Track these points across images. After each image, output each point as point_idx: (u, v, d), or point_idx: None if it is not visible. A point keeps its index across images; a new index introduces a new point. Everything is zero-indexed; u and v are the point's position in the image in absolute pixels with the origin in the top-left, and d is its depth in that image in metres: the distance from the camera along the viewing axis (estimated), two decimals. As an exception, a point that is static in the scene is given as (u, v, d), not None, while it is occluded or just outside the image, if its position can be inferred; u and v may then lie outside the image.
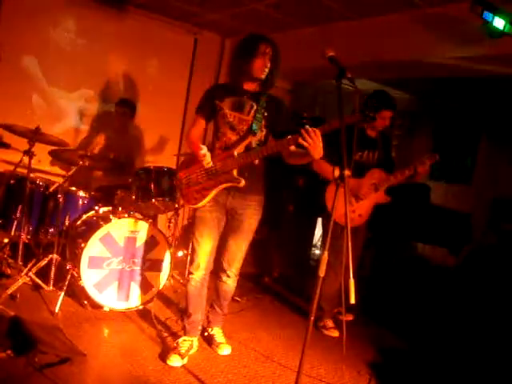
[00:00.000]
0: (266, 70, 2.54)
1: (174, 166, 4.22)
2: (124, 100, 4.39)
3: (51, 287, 3.29)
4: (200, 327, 2.86)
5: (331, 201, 3.29)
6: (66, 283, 3.15)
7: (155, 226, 3.39)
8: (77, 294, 3.26)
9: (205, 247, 2.67)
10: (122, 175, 3.94)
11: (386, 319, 3.95)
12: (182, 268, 4.01)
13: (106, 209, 3.50)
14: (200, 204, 2.63)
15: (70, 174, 3.51)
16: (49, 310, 3.05)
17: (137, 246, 3.28)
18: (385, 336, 3.65)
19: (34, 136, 3.24)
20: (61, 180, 3.50)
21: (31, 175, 3.40)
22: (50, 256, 3.31)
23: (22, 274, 3.19)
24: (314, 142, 2.21)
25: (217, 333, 2.97)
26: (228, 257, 2.77)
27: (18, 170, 3.43)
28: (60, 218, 3.44)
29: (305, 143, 2.22)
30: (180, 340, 2.76)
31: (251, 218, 2.70)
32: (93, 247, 3.11)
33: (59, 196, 3.39)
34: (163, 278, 3.37)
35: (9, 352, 2.28)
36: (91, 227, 3.25)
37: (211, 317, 2.98)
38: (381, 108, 3.33)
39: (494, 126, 5.63)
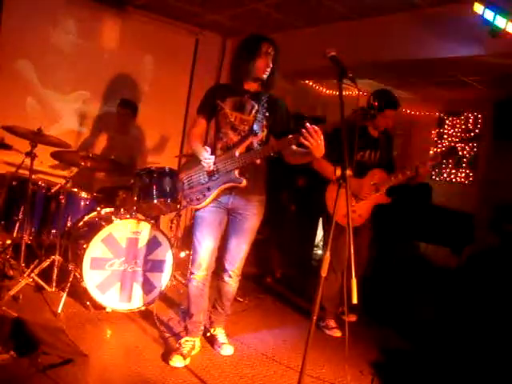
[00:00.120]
0: (268, 70, 2.54)
1: (175, 167, 4.23)
2: (126, 101, 4.39)
3: (54, 288, 3.29)
4: (202, 327, 2.86)
5: (331, 200, 3.29)
6: (69, 284, 3.16)
7: (157, 227, 3.39)
8: (79, 295, 3.26)
9: (206, 247, 2.67)
10: (124, 176, 3.94)
11: (388, 319, 3.94)
12: (184, 269, 4.01)
13: (107, 210, 3.51)
14: (202, 204, 2.64)
15: (71, 175, 3.52)
16: (51, 311, 3.05)
17: (139, 246, 3.28)
18: (387, 336, 3.64)
19: (36, 137, 3.25)
20: (63, 181, 3.50)
21: (33, 176, 3.41)
22: (53, 257, 3.32)
23: (25, 275, 3.20)
24: (315, 141, 2.21)
25: (219, 333, 2.97)
26: (230, 257, 2.76)
27: (20, 171, 3.44)
28: (62, 220, 3.44)
29: (306, 142, 2.22)
30: (182, 340, 2.77)
31: (253, 218, 2.70)
32: (95, 248, 3.11)
33: (61, 197, 3.40)
34: (165, 278, 3.37)
35: (12, 353, 2.28)
36: (93, 228, 3.25)
37: (213, 317, 2.98)
38: (384, 107, 3.33)
39: (498, 125, 5.61)
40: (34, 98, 4.55)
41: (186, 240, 4.39)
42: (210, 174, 2.59)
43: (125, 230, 3.23)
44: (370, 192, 3.37)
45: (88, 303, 3.19)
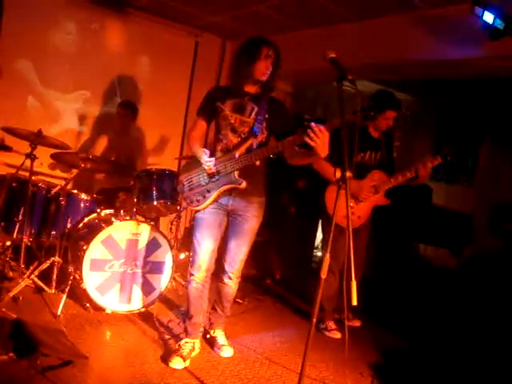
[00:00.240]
0: (268, 72, 2.55)
1: (175, 169, 4.24)
2: (126, 102, 4.40)
3: (53, 290, 3.29)
4: (202, 329, 2.86)
5: (331, 201, 3.29)
6: (68, 286, 3.16)
7: (157, 229, 3.39)
8: (79, 296, 3.26)
9: (206, 249, 2.67)
10: (124, 177, 3.94)
11: (387, 320, 3.94)
12: (184, 270, 4.00)
13: (107, 211, 3.51)
14: (202, 206, 2.64)
15: (71, 176, 3.53)
16: (51, 312, 3.05)
17: (139, 248, 3.28)
18: (387, 337, 3.65)
19: (36, 139, 3.26)
20: (63, 183, 3.51)
21: (33, 178, 3.41)
22: (52, 259, 3.32)
23: (25, 276, 3.20)
24: (320, 140, 2.19)
25: (219, 335, 2.97)
26: (230, 259, 2.77)
27: (20, 172, 3.44)
28: (62, 221, 3.44)
29: (311, 142, 2.20)
30: (182, 342, 2.77)
31: (253, 220, 2.70)
32: (95, 250, 3.11)
33: (61, 199, 3.40)
34: (165, 280, 3.37)
35: (11, 354, 2.28)
36: (93, 230, 3.25)
37: (213, 319, 2.98)
38: (385, 108, 3.33)
39: (497, 127, 5.63)
40: (34, 98, 4.55)
41: (186, 241, 4.39)
42: (210, 175, 2.59)
43: (125, 232, 3.23)
44: (370, 193, 3.37)
45: (88, 305, 3.19)
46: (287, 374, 2.77)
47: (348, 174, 1.92)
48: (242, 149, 2.55)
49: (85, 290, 3.10)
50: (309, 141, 2.21)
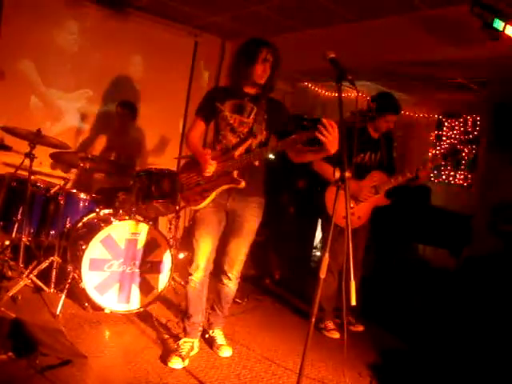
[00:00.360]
0: (266, 75, 2.55)
1: (174, 168, 4.23)
2: (125, 101, 4.39)
3: (52, 289, 3.29)
4: (201, 328, 2.86)
5: (331, 202, 3.30)
6: (67, 285, 3.16)
7: (156, 228, 3.39)
8: (78, 296, 3.26)
9: (204, 248, 2.68)
10: (123, 177, 3.94)
11: (386, 321, 3.94)
12: (183, 270, 4.00)
13: (106, 211, 3.51)
14: (201, 206, 2.64)
15: (70, 176, 3.52)
16: (50, 312, 3.05)
17: (138, 248, 3.28)
18: (385, 338, 3.65)
19: (35, 138, 3.25)
20: (62, 182, 3.50)
21: (32, 177, 3.40)
22: (51, 258, 3.32)
23: (24, 276, 3.19)
24: (331, 135, 2.18)
25: (218, 335, 2.97)
26: (229, 259, 2.77)
27: (19, 172, 3.43)
28: (61, 220, 3.44)
29: (322, 137, 2.20)
30: (181, 342, 2.77)
31: (252, 220, 2.70)
32: (94, 249, 3.11)
33: (60, 198, 3.40)
34: (164, 280, 3.37)
35: (10, 354, 2.28)
36: (92, 229, 3.25)
37: (212, 319, 2.98)
38: (385, 112, 3.33)
39: (496, 127, 5.63)
40: (37, 97, 4.55)
41: (185, 241, 4.39)
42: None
43: (124, 231, 3.22)
44: (370, 194, 3.37)
45: (87, 304, 3.19)
46: (286, 374, 2.77)
47: (347, 173, 1.93)
48: (241, 149, 2.56)
49: (84, 290, 3.10)
50: (320, 136, 2.20)
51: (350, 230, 1.85)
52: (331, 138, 2.19)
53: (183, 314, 2.91)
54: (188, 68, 5.30)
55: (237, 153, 2.54)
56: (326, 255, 1.97)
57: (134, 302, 3.26)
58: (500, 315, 3.95)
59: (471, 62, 3.63)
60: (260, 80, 2.55)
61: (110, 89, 4.88)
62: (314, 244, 5.91)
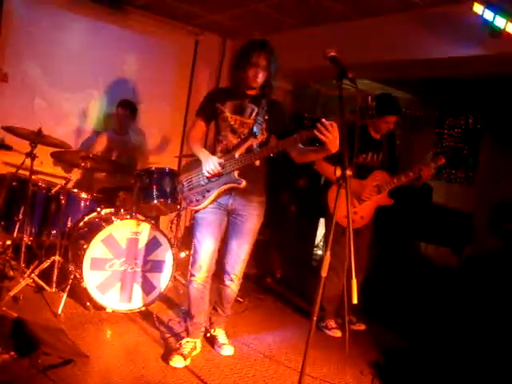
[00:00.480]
0: (258, 79, 2.55)
1: (175, 167, 4.23)
2: (125, 101, 4.39)
3: (54, 289, 3.30)
4: (203, 328, 2.86)
5: (333, 201, 3.28)
6: (69, 285, 3.16)
7: (157, 228, 3.39)
8: (79, 295, 3.26)
9: (206, 249, 2.67)
10: (124, 177, 3.94)
11: (388, 319, 3.94)
12: (184, 269, 4.00)
13: (108, 210, 3.51)
14: (201, 206, 2.64)
15: (71, 175, 3.52)
16: (51, 311, 3.05)
17: (139, 247, 3.28)
18: (387, 336, 3.65)
19: (36, 138, 3.25)
20: (63, 182, 3.51)
21: (33, 177, 3.41)
22: (53, 258, 3.32)
23: (25, 275, 3.20)
24: (332, 135, 2.18)
25: (219, 334, 2.97)
26: (231, 260, 2.76)
27: (21, 172, 3.44)
28: (62, 220, 3.44)
29: (323, 137, 2.20)
30: (183, 341, 2.76)
31: (253, 220, 2.70)
32: (95, 249, 3.12)
33: (61, 198, 3.40)
34: (165, 279, 3.37)
35: (12, 353, 2.28)
36: (93, 229, 3.25)
37: (214, 318, 2.98)
38: (385, 113, 3.33)
39: (497, 126, 5.62)
40: (41, 98, 4.55)
41: (186, 240, 4.39)
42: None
43: (125, 231, 3.23)
44: (372, 193, 3.37)
45: (88, 304, 3.19)
46: (288, 373, 2.77)
47: (348, 172, 1.92)
48: (242, 149, 2.56)
49: (85, 289, 3.10)
50: (320, 136, 2.19)
51: (351, 228, 1.85)
52: (331, 138, 2.18)
53: (185, 314, 2.91)
54: (189, 67, 5.29)
55: (237, 153, 2.54)
56: (328, 254, 1.97)
57: (136, 302, 3.26)
58: (502, 313, 3.95)
59: (472, 60, 3.61)
60: (253, 83, 2.57)
61: (110, 88, 4.87)
62: (316, 243, 5.91)
